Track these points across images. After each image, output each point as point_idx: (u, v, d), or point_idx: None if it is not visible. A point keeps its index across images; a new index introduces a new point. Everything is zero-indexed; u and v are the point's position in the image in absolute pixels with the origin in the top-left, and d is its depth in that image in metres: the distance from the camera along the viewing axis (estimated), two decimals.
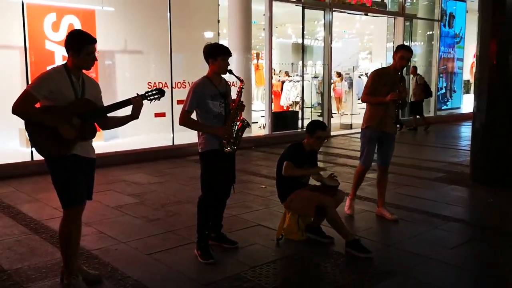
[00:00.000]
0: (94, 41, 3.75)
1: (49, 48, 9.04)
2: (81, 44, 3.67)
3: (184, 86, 10.71)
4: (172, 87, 10.42)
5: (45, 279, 4.10)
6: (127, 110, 3.94)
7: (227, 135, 4.50)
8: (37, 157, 8.33)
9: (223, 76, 4.72)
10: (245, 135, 4.89)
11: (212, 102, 4.50)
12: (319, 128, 5.05)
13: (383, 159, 5.97)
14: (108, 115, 3.96)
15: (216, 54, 4.53)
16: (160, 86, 10.01)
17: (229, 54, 4.59)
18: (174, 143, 10.37)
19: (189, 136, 10.02)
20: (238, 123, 4.59)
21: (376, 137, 5.85)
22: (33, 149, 3.79)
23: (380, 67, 5.91)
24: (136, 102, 3.88)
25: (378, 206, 6.03)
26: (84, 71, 3.81)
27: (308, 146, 5.10)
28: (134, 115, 3.92)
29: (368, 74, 5.73)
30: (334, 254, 4.75)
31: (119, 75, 10.91)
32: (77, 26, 9.18)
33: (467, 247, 5.08)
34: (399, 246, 4.97)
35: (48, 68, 8.68)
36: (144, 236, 5.20)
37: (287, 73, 17.59)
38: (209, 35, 11.87)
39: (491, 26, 7.46)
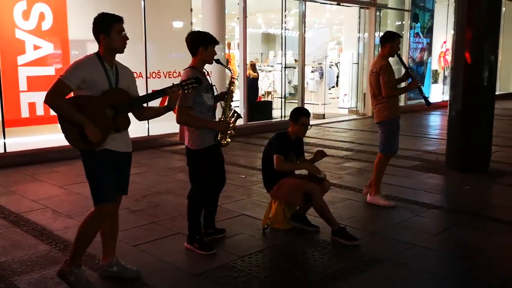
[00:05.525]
0: (120, 19, 3.62)
1: (19, 37, 8.76)
2: (108, 23, 3.58)
3: (159, 76, 10.56)
4: (147, 77, 10.26)
5: (31, 272, 4.01)
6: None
7: (227, 128, 4.44)
8: (10, 148, 8.20)
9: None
10: None
11: (206, 94, 4.39)
12: (303, 115, 5.05)
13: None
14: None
15: (207, 42, 4.42)
16: (135, 76, 9.83)
17: (218, 43, 4.55)
18: (149, 134, 10.25)
19: (164, 127, 9.99)
20: (231, 114, 4.56)
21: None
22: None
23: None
24: (173, 93, 3.76)
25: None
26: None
27: (293, 134, 5.10)
28: (170, 107, 3.78)
29: (378, 69, 5.71)
30: (321, 242, 4.79)
31: None
32: (48, 14, 8.91)
33: (450, 233, 5.18)
34: (384, 234, 5.04)
35: (18, 58, 8.63)
36: (129, 228, 5.13)
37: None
38: (181, 24, 11.68)
39: (467, 14, 7.54)
